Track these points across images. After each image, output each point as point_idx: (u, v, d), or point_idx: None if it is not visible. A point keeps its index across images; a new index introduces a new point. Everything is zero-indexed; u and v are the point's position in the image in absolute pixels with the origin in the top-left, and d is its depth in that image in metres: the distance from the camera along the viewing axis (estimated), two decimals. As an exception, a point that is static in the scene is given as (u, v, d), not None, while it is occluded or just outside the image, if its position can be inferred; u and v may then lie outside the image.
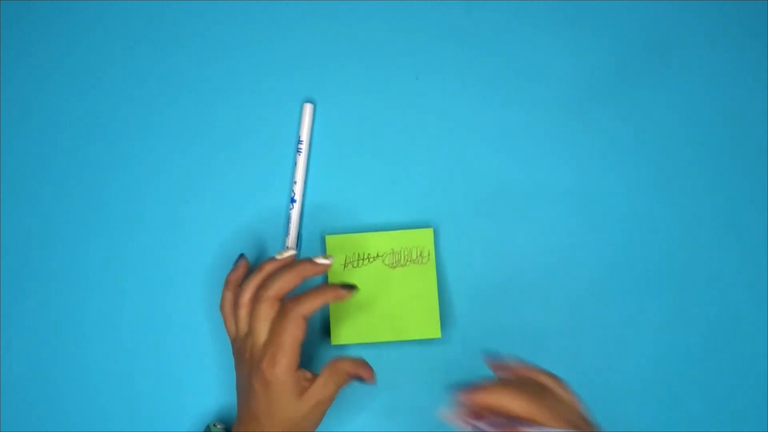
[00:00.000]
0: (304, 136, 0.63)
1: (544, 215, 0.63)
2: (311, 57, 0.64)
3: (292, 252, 0.58)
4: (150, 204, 0.64)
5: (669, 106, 0.64)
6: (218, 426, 0.60)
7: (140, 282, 0.63)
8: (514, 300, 0.63)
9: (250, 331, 0.55)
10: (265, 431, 0.54)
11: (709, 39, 0.64)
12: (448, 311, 0.63)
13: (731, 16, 0.64)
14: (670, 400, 0.62)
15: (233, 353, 0.58)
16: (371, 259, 0.61)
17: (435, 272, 0.61)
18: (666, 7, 0.64)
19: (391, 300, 0.61)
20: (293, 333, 0.54)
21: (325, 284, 0.56)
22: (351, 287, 0.56)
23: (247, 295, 0.56)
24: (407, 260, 0.61)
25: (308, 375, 0.55)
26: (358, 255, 0.61)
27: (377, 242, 0.61)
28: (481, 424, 0.47)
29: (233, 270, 0.59)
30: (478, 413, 0.48)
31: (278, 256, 0.57)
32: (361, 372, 0.56)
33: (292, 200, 0.63)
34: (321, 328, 0.63)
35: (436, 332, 0.60)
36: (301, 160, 0.63)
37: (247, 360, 0.55)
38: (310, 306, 0.54)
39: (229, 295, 0.58)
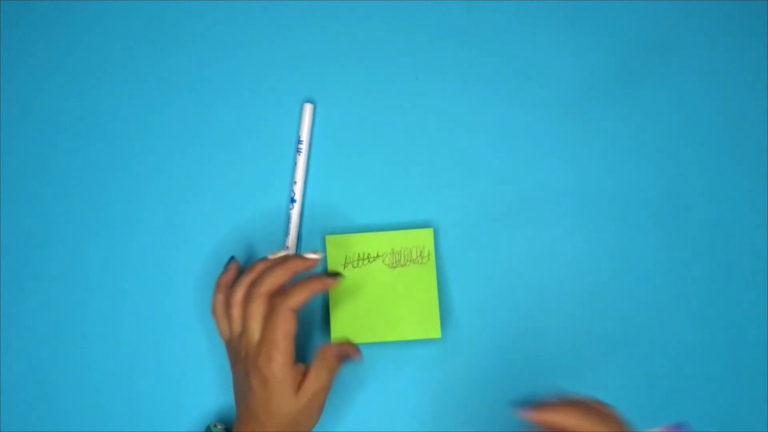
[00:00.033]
0: (304, 136, 0.63)
1: (544, 215, 0.63)
2: (311, 57, 0.64)
3: (284, 252, 0.58)
4: (150, 204, 0.64)
5: (669, 106, 0.64)
6: (219, 426, 0.60)
7: (140, 282, 0.63)
8: (514, 300, 0.63)
9: (244, 330, 0.55)
10: (266, 429, 0.54)
11: (709, 39, 0.64)
12: (448, 311, 0.63)
13: (731, 16, 0.64)
14: (670, 400, 0.62)
15: (228, 355, 0.58)
16: (371, 259, 0.61)
17: (435, 272, 0.61)
18: (666, 7, 0.64)
19: (391, 300, 0.61)
20: (284, 328, 0.54)
21: (311, 275, 0.57)
22: (336, 275, 0.57)
23: (239, 295, 0.56)
24: (407, 260, 0.61)
25: (303, 369, 0.55)
26: (358, 255, 0.61)
27: (377, 242, 0.61)
28: None
29: (224, 273, 0.59)
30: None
31: (270, 256, 0.57)
32: (348, 351, 0.57)
33: (292, 200, 0.63)
34: (321, 328, 0.63)
35: (436, 332, 0.60)
36: (301, 160, 0.63)
37: (243, 359, 0.55)
38: (297, 299, 0.54)
39: (220, 297, 0.58)
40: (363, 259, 0.61)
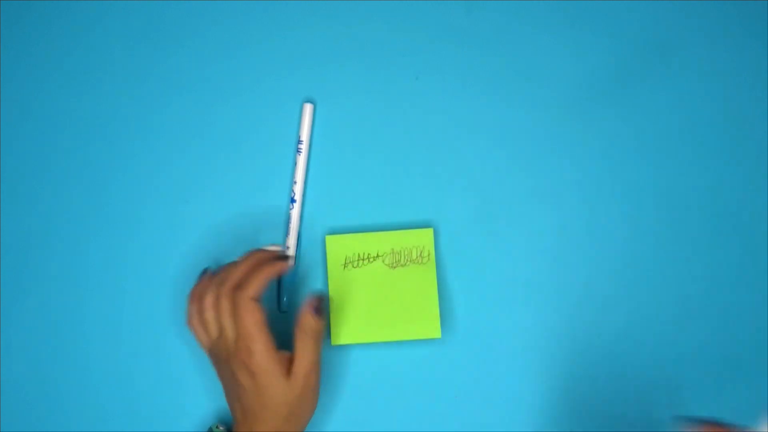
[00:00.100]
0: (304, 136, 0.63)
1: (544, 215, 0.63)
2: (311, 57, 0.64)
3: (253, 250, 0.58)
4: (150, 204, 0.64)
5: (669, 106, 0.64)
6: (220, 428, 0.60)
7: (140, 282, 0.63)
8: (514, 300, 0.63)
9: (221, 330, 0.55)
10: (266, 424, 0.54)
11: (709, 39, 0.64)
12: (448, 311, 0.63)
13: (731, 16, 0.64)
14: (670, 401, 0.62)
15: (212, 362, 0.58)
16: (371, 259, 0.61)
17: (435, 272, 0.61)
18: (666, 7, 0.64)
19: (391, 300, 0.61)
20: (252, 318, 0.54)
21: (265, 263, 0.56)
22: (287, 257, 0.59)
23: (209, 298, 0.56)
24: (407, 260, 0.61)
25: (288, 355, 0.55)
26: (358, 255, 0.61)
27: (377, 242, 0.61)
28: None
29: (196, 284, 0.59)
30: None
31: (238, 259, 0.58)
32: (313, 303, 0.56)
33: (292, 200, 0.63)
34: (321, 328, 0.63)
35: (436, 332, 0.60)
36: (301, 160, 0.63)
37: (226, 360, 0.55)
38: (254, 287, 0.54)
39: (193, 307, 0.57)
40: (363, 259, 0.61)
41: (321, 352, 0.56)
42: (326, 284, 0.61)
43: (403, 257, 0.61)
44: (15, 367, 0.63)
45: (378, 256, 0.61)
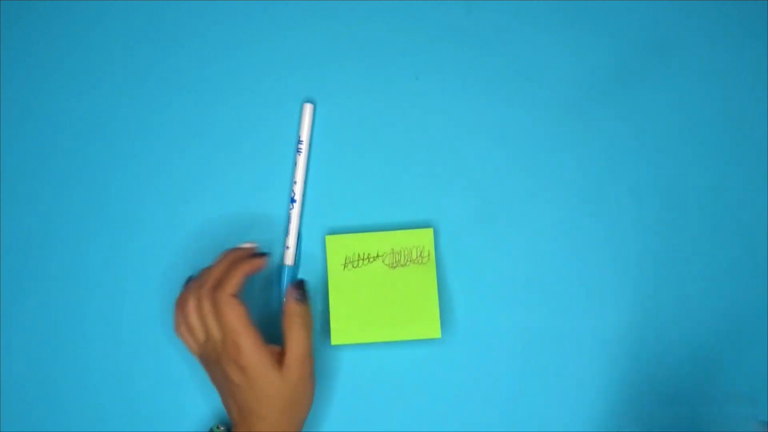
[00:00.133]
0: (304, 136, 0.63)
1: (544, 215, 0.63)
2: (311, 57, 0.64)
3: (227, 250, 0.58)
4: (150, 204, 0.64)
5: (669, 106, 0.64)
6: (221, 428, 0.60)
7: (140, 282, 0.63)
8: (514, 300, 0.63)
9: (207, 332, 0.55)
10: (265, 419, 0.54)
11: (709, 39, 0.64)
12: (448, 311, 0.63)
13: (731, 16, 0.64)
14: (670, 401, 0.62)
15: (204, 367, 0.58)
16: (371, 259, 0.61)
17: (435, 272, 0.61)
18: (666, 7, 0.64)
19: (391, 300, 0.61)
20: (234, 314, 0.54)
21: (241, 260, 0.57)
22: (264, 254, 0.58)
23: (191, 302, 0.56)
24: (407, 260, 0.61)
25: (279, 348, 0.56)
26: (358, 255, 0.61)
27: (377, 242, 0.61)
28: None
29: (181, 293, 0.59)
30: None
31: (214, 261, 0.58)
32: (293, 291, 0.57)
33: (292, 200, 0.63)
34: (321, 328, 0.63)
35: (436, 332, 0.60)
36: (301, 160, 0.63)
37: (216, 361, 0.55)
38: (232, 284, 0.55)
39: (179, 315, 0.58)
40: (363, 259, 0.61)
41: (312, 342, 0.57)
42: (326, 284, 0.61)
43: (403, 257, 0.61)
44: (15, 367, 0.63)
45: (378, 256, 0.61)
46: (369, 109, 0.64)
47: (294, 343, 0.55)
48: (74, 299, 0.63)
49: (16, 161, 0.64)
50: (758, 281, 0.63)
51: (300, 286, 0.58)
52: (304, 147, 0.63)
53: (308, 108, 0.63)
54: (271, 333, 0.60)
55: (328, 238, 0.61)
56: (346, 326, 0.61)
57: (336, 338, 0.61)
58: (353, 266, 0.61)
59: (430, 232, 0.61)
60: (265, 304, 0.63)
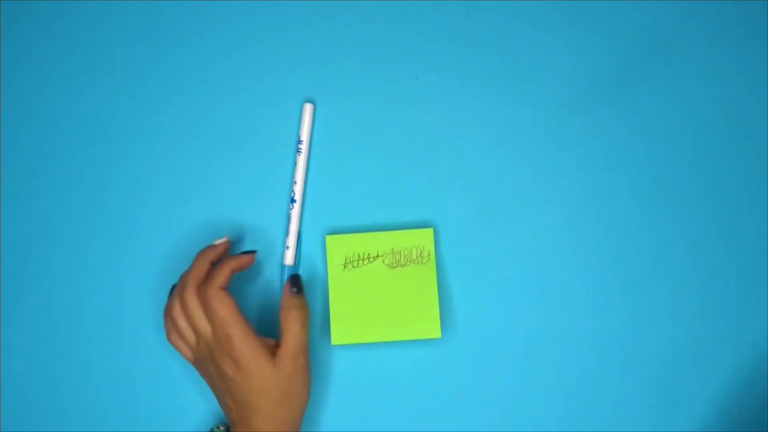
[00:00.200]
0: (304, 136, 0.63)
1: (544, 215, 0.63)
2: (311, 57, 0.64)
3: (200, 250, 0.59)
4: (150, 204, 0.64)
5: (669, 106, 0.64)
6: (221, 428, 0.60)
7: (140, 282, 0.63)
8: (514, 300, 0.63)
9: (197, 332, 0.55)
10: (261, 411, 0.54)
11: (709, 39, 0.64)
12: (448, 311, 0.63)
13: (731, 16, 0.64)
14: (670, 401, 0.62)
15: (200, 372, 0.58)
16: (371, 259, 0.61)
17: (435, 272, 0.61)
18: (666, 7, 0.64)
19: (391, 300, 0.61)
20: (224, 305, 0.54)
21: (228, 256, 0.58)
22: (251, 252, 0.59)
23: (176, 307, 0.56)
24: (407, 260, 0.61)
25: (273, 341, 0.57)
26: (358, 255, 0.61)
27: (377, 242, 0.61)
28: None
29: (167, 302, 0.59)
30: None
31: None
32: (291, 284, 0.58)
33: (292, 200, 0.63)
34: (321, 328, 0.63)
35: (436, 332, 0.60)
36: (301, 160, 0.63)
37: (210, 360, 0.55)
38: (220, 278, 0.55)
39: (168, 322, 0.58)
40: (363, 259, 0.61)
41: (307, 335, 0.57)
42: (326, 284, 0.61)
43: (403, 257, 0.61)
44: (15, 367, 0.63)
45: (378, 256, 0.61)
46: (369, 109, 0.64)
47: (290, 334, 0.56)
48: (74, 299, 0.63)
49: (16, 161, 0.64)
50: (758, 281, 0.63)
51: (296, 279, 0.59)
52: (304, 147, 0.63)
53: (308, 108, 0.63)
54: (272, 333, 0.60)
55: (328, 238, 0.61)
56: (346, 326, 0.61)
57: (336, 338, 0.61)
58: (353, 266, 0.61)
59: (430, 232, 0.61)
60: (265, 304, 0.63)
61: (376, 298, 0.61)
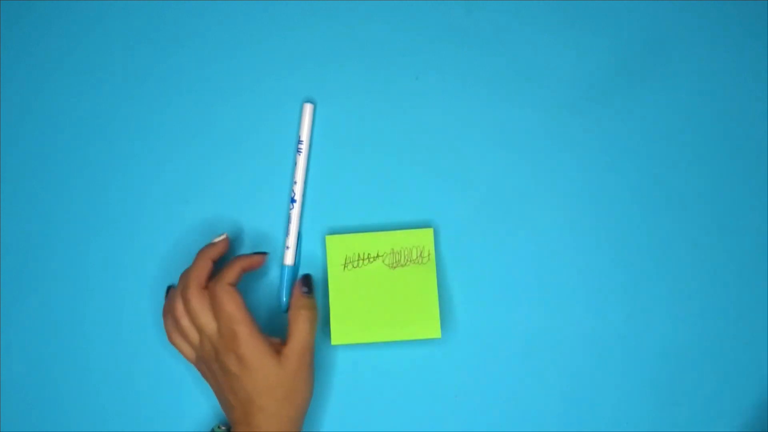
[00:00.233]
0: (304, 136, 0.63)
1: (544, 215, 0.63)
2: (311, 57, 0.64)
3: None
4: (150, 204, 0.64)
5: (669, 106, 0.64)
6: (222, 428, 0.60)
7: (140, 282, 0.63)
8: (514, 300, 0.63)
9: (200, 330, 0.55)
10: (264, 409, 0.54)
11: (709, 39, 0.64)
12: (448, 311, 0.63)
13: (731, 16, 0.64)
14: (670, 400, 0.62)
15: (202, 372, 0.58)
16: (371, 259, 0.61)
17: (435, 272, 0.61)
18: (666, 7, 0.64)
19: (391, 300, 0.61)
20: (232, 301, 0.54)
21: (239, 255, 0.59)
22: (263, 253, 0.59)
23: (179, 306, 0.56)
24: (407, 260, 0.61)
25: (279, 340, 0.57)
26: (358, 255, 0.61)
27: (377, 242, 0.61)
28: None
29: (166, 301, 0.59)
30: None
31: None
32: (301, 284, 0.59)
33: (292, 200, 0.63)
34: (321, 329, 0.63)
35: (436, 332, 0.60)
36: (301, 160, 0.63)
37: (212, 357, 0.55)
38: (230, 274, 0.56)
39: (169, 323, 0.58)
40: (363, 259, 0.61)
41: (314, 336, 0.57)
42: (326, 284, 0.61)
43: (403, 257, 0.61)
44: (15, 367, 0.63)
45: (378, 256, 0.61)
46: (369, 109, 0.64)
47: (298, 332, 0.56)
48: (74, 299, 0.63)
49: (16, 161, 0.64)
50: (758, 281, 0.63)
51: (307, 279, 0.60)
52: (304, 147, 0.63)
53: (308, 108, 0.63)
54: (270, 333, 0.60)
55: (328, 238, 0.61)
56: (346, 326, 0.61)
57: (336, 338, 0.61)
58: (353, 266, 0.61)
59: (430, 232, 0.61)
60: (264, 304, 0.63)
61: (376, 298, 0.61)
